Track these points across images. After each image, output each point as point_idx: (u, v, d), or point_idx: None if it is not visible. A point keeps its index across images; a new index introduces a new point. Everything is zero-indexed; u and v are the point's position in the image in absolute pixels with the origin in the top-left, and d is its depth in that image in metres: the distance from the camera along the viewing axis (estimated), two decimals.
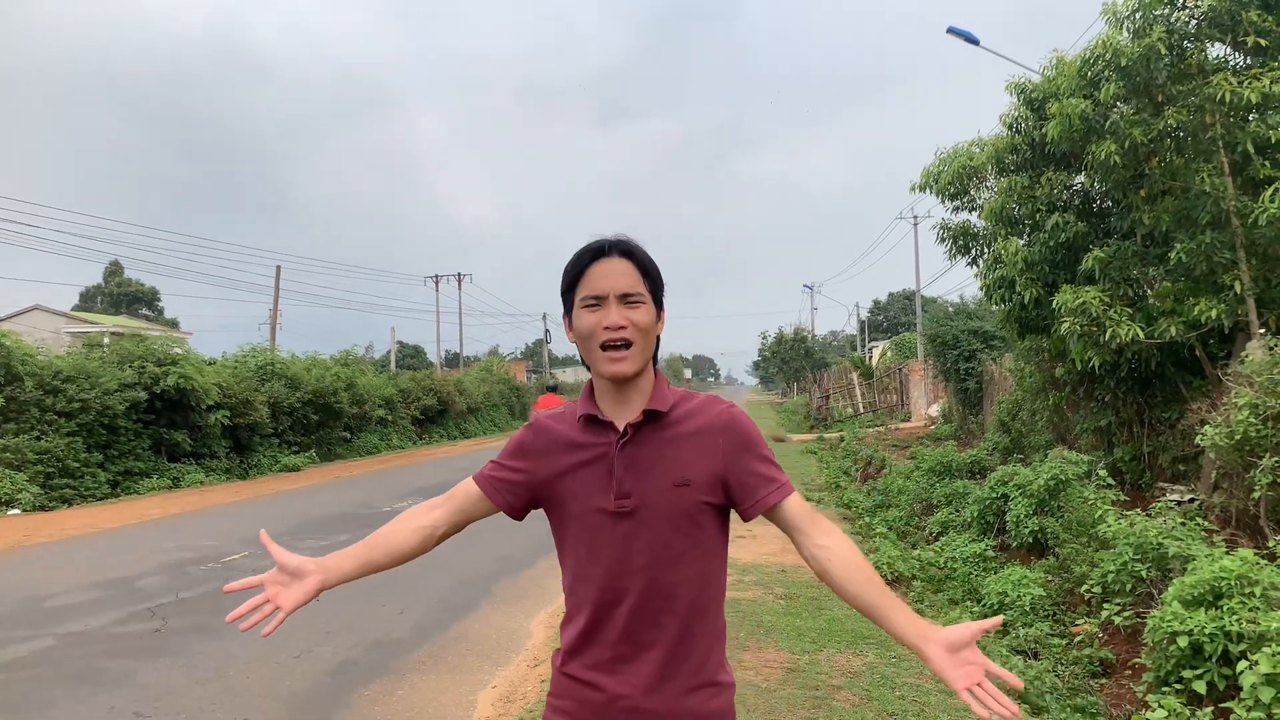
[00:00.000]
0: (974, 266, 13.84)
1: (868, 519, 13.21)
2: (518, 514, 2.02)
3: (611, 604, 1.86)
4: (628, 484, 1.85)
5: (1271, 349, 7.67)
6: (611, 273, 1.86)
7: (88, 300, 70.62)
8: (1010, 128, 12.30)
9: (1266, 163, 9.07)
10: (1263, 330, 8.94)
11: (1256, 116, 9.16)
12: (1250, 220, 8.73)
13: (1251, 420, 7.21)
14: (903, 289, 78.74)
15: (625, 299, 1.86)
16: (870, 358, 50.51)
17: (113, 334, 27.94)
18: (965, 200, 13.33)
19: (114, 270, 70.92)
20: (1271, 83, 8.66)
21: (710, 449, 1.89)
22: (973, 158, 12.75)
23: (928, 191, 13.51)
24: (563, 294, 1.95)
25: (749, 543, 10.54)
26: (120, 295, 71.80)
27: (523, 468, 1.98)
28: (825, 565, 1.89)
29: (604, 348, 1.85)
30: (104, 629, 7.53)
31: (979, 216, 13.02)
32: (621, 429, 1.88)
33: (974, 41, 15.89)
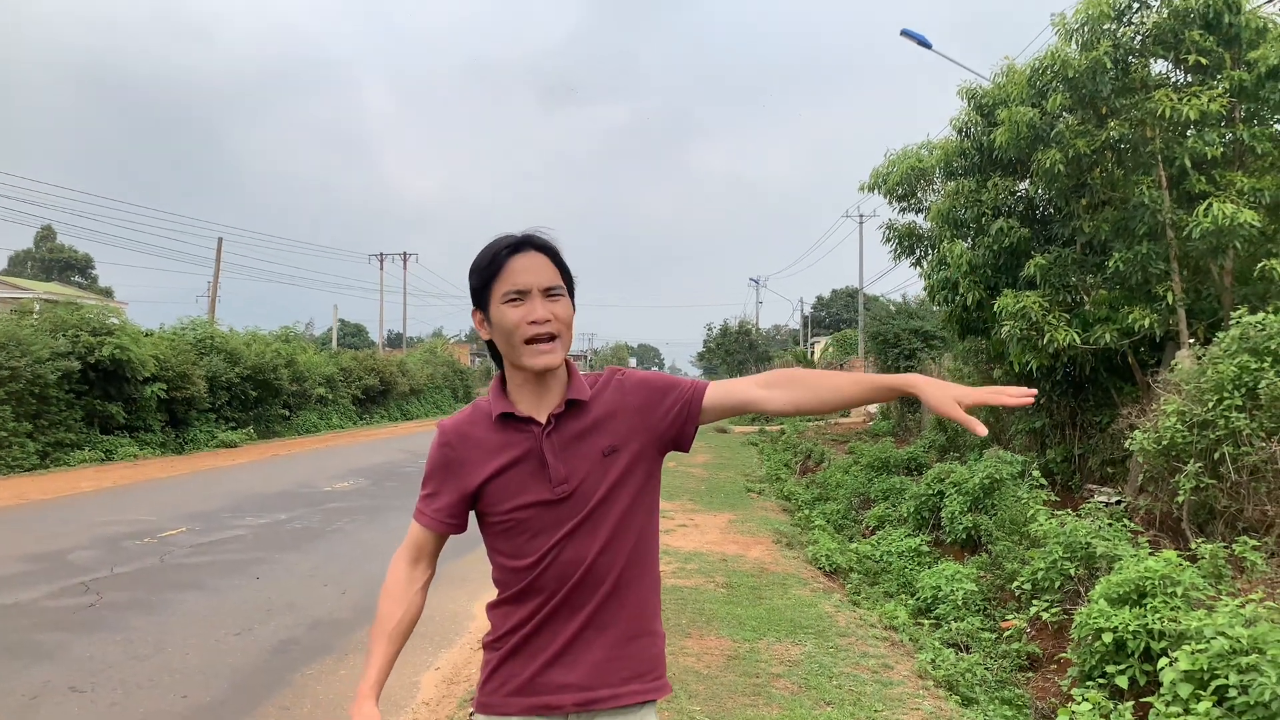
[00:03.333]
0: (918, 267, 14.13)
1: (806, 511, 13.42)
2: (464, 528, 2.06)
3: (556, 578, 1.91)
4: (562, 470, 1.90)
5: (1200, 358, 7.95)
6: (532, 267, 1.88)
7: (17, 265, 68.50)
8: (960, 132, 12.54)
9: (1202, 178, 9.39)
10: (1192, 340, 9.27)
11: (1194, 133, 9.47)
12: (1184, 233, 9.04)
13: (1178, 427, 7.49)
14: (846, 286, 79.63)
15: (547, 293, 1.89)
16: (812, 353, 51.06)
17: (44, 301, 27.19)
18: (913, 201, 13.60)
19: (45, 235, 68.86)
20: (1209, 101, 8.96)
21: (622, 413, 1.96)
22: (922, 160, 13.00)
23: (876, 191, 13.76)
24: (476, 290, 1.94)
25: (691, 532, 10.66)
26: (52, 261, 69.78)
27: (451, 484, 1.99)
28: (779, 408, 1.96)
29: (530, 341, 1.87)
30: (35, 602, 7.39)
31: (925, 218, 13.28)
32: (544, 420, 1.93)
33: (926, 45, 16.13)
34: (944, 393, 1.84)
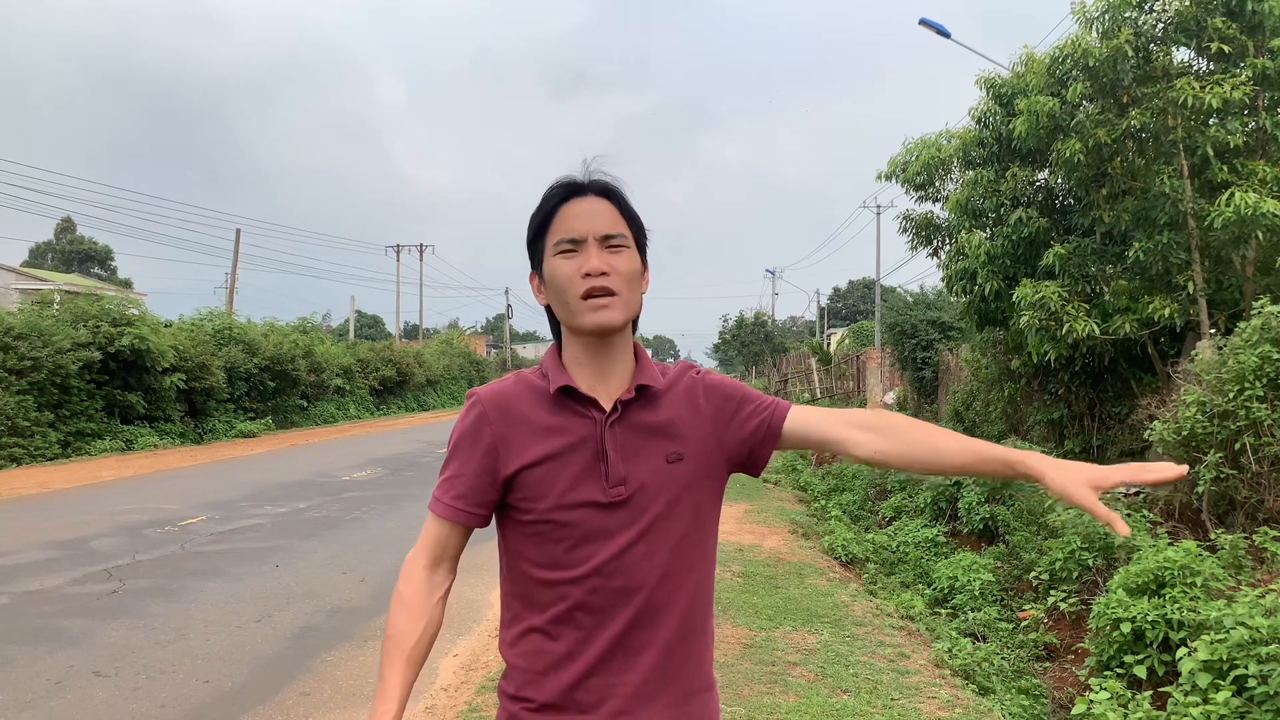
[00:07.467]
0: (935, 258, 14.08)
1: (822, 502, 13.42)
2: (488, 521, 1.69)
3: (602, 609, 1.58)
4: (621, 469, 1.58)
5: (1221, 349, 7.90)
6: (588, 212, 1.60)
7: (38, 257, 69.03)
8: (979, 122, 12.47)
9: (1224, 167, 9.31)
10: (1213, 330, 9.21)
11: (1216, 121, 9.39)
12: (1206, 223, 8.96)
13: (1199, 417, 7.45)
14: (863, 277, 79.48)
15: (606, 242, 1.59)
16: (829, 344, 50.97)
17: (64, 292, 27.42)
18: (930, 191, 13.54)
19: (66, 227, 69.38)
20: (1232, 89, 8.88)
21: (694, 418, 1.66)
22: (940, 150, 12.93)
23: (894, 180, 13.71)
24: (529, 244, 1.66)
25: None
26: (72, 253, 70.28)
27: (481, 465, 1.63)
28: (868, 455, 1.65)
29: (585, 296, 1.57)
30: (60, 589, 7.48)
31: (943, 208, 13.22)
32: (610, 405, 1.61)
33: (945, 34, 16.04)
34: (1073, 475, 1.48)
